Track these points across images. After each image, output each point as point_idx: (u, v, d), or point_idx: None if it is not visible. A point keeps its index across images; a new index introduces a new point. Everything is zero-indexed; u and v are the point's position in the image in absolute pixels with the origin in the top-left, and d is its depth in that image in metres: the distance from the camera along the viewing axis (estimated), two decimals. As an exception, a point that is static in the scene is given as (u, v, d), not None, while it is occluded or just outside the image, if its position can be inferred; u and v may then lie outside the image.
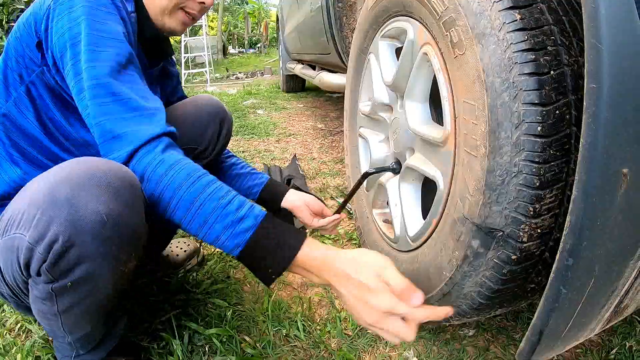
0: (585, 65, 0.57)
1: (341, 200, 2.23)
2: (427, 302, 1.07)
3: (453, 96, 0.93)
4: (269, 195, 1.42)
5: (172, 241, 1.65)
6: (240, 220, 0.83)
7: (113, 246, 0.79)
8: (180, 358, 1.17)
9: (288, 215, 1.41)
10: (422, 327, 1.34)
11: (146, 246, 0.92)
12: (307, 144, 3.46)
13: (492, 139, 0.79)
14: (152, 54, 1.21)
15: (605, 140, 0.57)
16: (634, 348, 1.28)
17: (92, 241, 0.76)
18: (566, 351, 1.28)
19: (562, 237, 0.64)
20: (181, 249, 1.65)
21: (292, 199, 1.40)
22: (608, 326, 1.00)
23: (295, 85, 6.61)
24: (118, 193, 0.78)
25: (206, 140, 1.34)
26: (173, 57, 1.42)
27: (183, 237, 1.79)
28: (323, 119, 4.44)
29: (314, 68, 4.07)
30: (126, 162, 0.85)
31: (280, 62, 6.56)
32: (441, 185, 1.00)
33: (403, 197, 1.24)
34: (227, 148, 1.47)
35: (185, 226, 0.84)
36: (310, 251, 0.83)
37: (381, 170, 1.37)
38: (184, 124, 1.27)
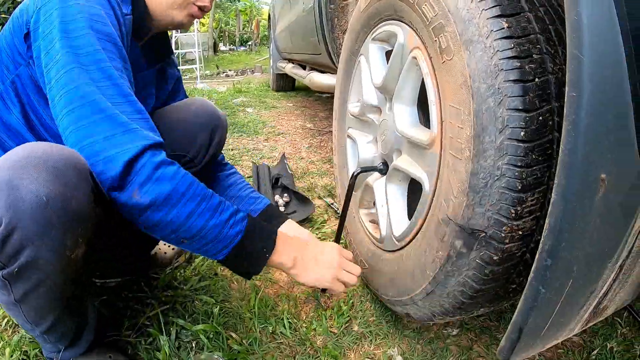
0: (567, 74, 0.59)
1: (329, 200, 2.25)
2: (411, 300, 1.10)
3: (440, 100, 0.95)
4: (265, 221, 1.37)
5: (160, 238, 1.65)
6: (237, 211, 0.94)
7: (56, 229, 0.77)
8: (168, 354, 1.17)
9: None
10: (407, 325, 1.36)
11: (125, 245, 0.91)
12: (295, 143, 3.47)
13: (477, 143, 0.81)
14: (149, 55, 1.21)
15: (584, 147, 0.59)
16: (615, 349, 1.30)
17: (33, 224, 0.74)
18: (547, 351, 1.31)
19: (542, 239, 0.67)
20: (169, 246, 1.65)
21: (285, 230, 1.31)
22: (587, 326, 1.02)
23: (286, 84, 6.60)
24: (60, 174, 0.76)
25: (195, 149, 1.32)
26: (174, 57, 1.40)
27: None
28: (312, 118, 4.45)
29: (304, 68, 4.08)
30: (145, 150, 0.84)
31: (271, 60, 6.53)
32: (427, 186, 1.02)
33: (389, 198, 1.26)
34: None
35: (191, 223, 0.86)
36: (286, 231, 1.09)
37: (369, 169, 1.39)
38: (175, 130, 1.27)
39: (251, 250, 0.95)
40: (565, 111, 0.60)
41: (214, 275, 1.58)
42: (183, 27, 1.16)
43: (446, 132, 0.92)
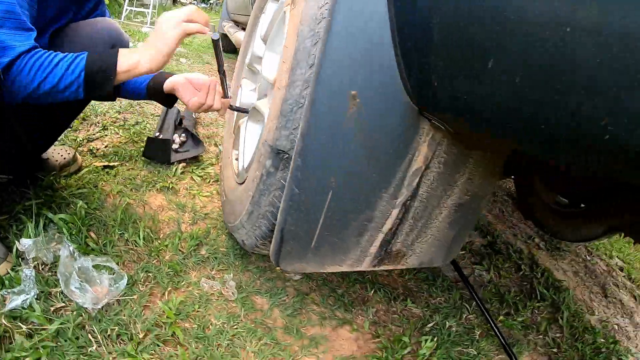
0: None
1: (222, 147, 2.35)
2: (240, 224, 1.22)
3: (286, 44, 1.08)
4: (154, 82, 1.45)
5: (54, 148, 1.72)
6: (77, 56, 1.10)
7: None
8: (32, 239, 1.27)
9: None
10: (253, 262, 1.49)
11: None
12: (215, 97, 3.53)
13: (291, 75, 0.94)
14: None
15: (330, 62, 0.72)
16: (454, 329, 1.46)
17: None
18: (384, 315, 1.46)
19: (296, 141, 0.79)
20: (61, 155, 1.72)
21: (174, 79, 1.41)
22: (382, 267, 1.12)
23: (228, 44, 6.50)
24: None
25: None
26: None
27: (65, 145, 1.86)
28: (242, 81, 4.51)
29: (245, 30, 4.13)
30: (13, 61, 1.02)
31: (220, 20, 6.45)
32: (266, 120, 1.15)
33: (247, 135, 1.39)
34: None
35: (42, 90, 1.06)
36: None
37: (240, 110, 1.50)
38: (79, 42, 1.37)
39: (99, 78, 1.10)
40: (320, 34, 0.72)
41: (94, 187, 1.66)
42: None
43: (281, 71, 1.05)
